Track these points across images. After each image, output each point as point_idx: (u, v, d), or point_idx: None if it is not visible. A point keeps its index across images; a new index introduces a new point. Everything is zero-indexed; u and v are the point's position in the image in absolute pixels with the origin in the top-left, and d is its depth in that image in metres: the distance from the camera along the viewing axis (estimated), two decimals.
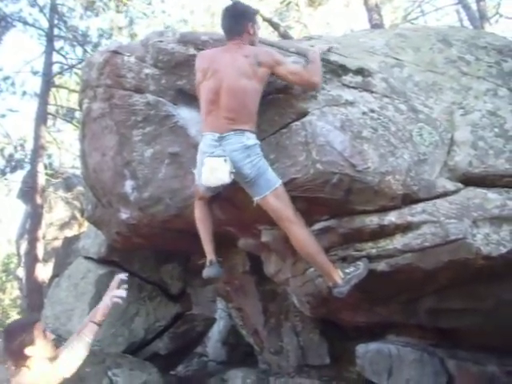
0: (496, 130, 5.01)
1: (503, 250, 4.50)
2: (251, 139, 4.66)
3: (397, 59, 5.52)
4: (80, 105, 6.53)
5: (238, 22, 5.00)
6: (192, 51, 5.42)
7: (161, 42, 5.64)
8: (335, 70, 5.14)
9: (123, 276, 4.31)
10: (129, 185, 5.83)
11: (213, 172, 4.60)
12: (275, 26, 13.58)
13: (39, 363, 3.71)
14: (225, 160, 4.56)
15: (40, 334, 3.77)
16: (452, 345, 5.87)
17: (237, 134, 4.63)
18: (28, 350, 3.65)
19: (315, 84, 4.86)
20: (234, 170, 4.57)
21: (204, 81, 4.89)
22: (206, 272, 5.32)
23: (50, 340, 3.85)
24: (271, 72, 4.76)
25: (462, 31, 6.34)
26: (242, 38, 4.94)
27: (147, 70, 5.66)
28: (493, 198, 4.70)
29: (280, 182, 4.73)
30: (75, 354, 3.79)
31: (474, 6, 16.94)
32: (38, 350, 3.70)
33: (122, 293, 4.17)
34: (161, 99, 5.60)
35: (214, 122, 4.73)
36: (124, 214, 6.19)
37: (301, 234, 4.79)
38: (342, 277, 4.79)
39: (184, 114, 5.56)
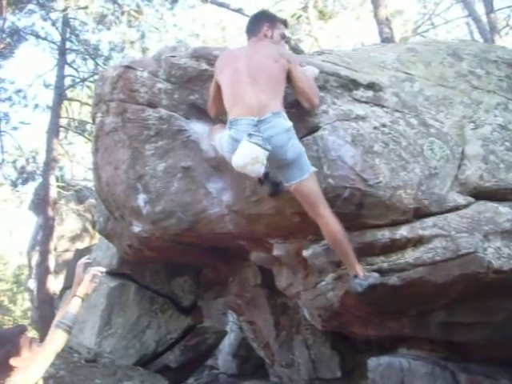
0: (507, 143, 5.03)
1: None
2: (288, 120, 4.48)
3: (407, 73, 5.54)
4: (93, 119, 6.58)
5: (255, 23, 5.10)
6: (204, 66, 5.44)
7: (173, 56, 5.66)
8: (346, 85, 5.15)
9: (99, 271, 4.22)
10: (141, 198, 5.87)
11: (251, 161, 4.30)
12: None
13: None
14: (263, 147, 4.27)
15: (26, 344, 3.70)
16: (463, 358, 5.84)
17: (275, 116, 4.42)
18: (13, 361, 3.57)
19: (315, 104, 4.86)
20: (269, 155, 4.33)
21: (224, 70, 4.80)
22: (267, 185, 4.98)
23: (36, 351, 3.82)
24: (287, 69, 4.67)
25: (473, 45, 6.36)
26: (258, 37, 5.00)
27: (160, 85, 5.69)
28: (504, 212, 4.70)
29: (311, 168, 4.56)
30: (46, 353, 3.74)
31: (484, 19, 16.94)
32: (24, 360, 3.66)
33: (101, 269, 4.15)
34: (173, 114, 5.63)
35: (247, 104, 4.49)
36: (136, 227, 6.23)
37: (333, 221, 4.60)
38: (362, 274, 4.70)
39: (196, 129, 5.58)
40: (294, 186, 4.54)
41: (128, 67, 5.86)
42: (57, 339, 3.75)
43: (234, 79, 4.68)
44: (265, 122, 4.38)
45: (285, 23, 5.27)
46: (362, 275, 4.66)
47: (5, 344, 3.66)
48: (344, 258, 4.79)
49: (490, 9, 15.99)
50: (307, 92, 4.75)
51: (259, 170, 4.33)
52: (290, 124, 4.45)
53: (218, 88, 4.84)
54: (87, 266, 4.15)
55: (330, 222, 4.60)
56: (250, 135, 4.27)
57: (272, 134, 4.35)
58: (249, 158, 4.28)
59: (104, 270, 4.18)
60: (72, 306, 3.91)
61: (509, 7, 18.48)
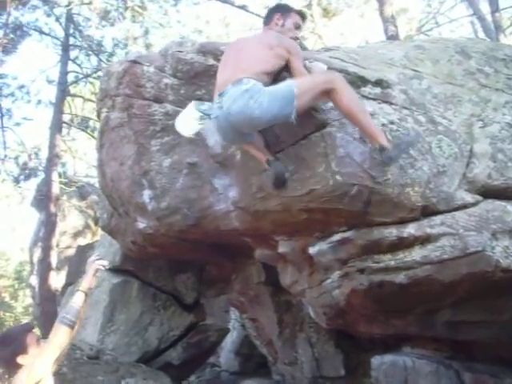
0: None
1: None
2: (250, 83, 4.32)
3: (416, 71, 5.50)
4: (98, 114, 6.56)
5: (269, 14, 5.15)
6: (211, 61, 5.43)
7: (180, 52, 5.65)
8: (354, 82, 5.10)
9: (102, 264, 4.21)
10: (146, 194, 5.86)
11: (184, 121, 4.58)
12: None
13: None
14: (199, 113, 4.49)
15: (33, 342, 3.70)
16: (468, 357, 5.83)
17: (234, 84, 4.34)
18: (20, 359, 3.60)
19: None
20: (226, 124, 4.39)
21: (222, 58, 4.88)
22: (272, 170, 4.83)
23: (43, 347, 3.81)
24: (287, 59, 4.65)
25: (481, 43, 6.33)
26: (269, 26, 5.03)
27: (166, 80, 5.68)
28: None
29: (293, 83, 4.37)
30: (51, 349, 3.73)
31: (488, 18, 16.90)
32: (31, 358, 3.65)
33: (103, 262, 4.14)
34: (180, 109, 5.58)
35: (218, 85, 4.58)
36: (141, 224, 6.22)
37: (346, 91, 4.43)
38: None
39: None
40: (295, 117, 4.34)
41: (134, 62, 5.86)
42: (60, 334, 3.74)
43: (222, 66, 4.77)
44: (223, 95, 4.40)
45: (301, 14, 5.25)
46: (389, 146, 4.49)
47: (12, 342, 3.68)
48: (365, 129, 4.55)
49: (495, 8, 15.93)
50: (299, 76, 4.65)
51: (191, 129, 4.55)
52: (250, 85, 4.32)
53: None
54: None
55: (343, 92, 4.42)
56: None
57: (229, 103, 4.32)
58: (187, 125, 4.58)
59: (107, 263, 4.17)
60: (75, 301, 3.91)
61: None
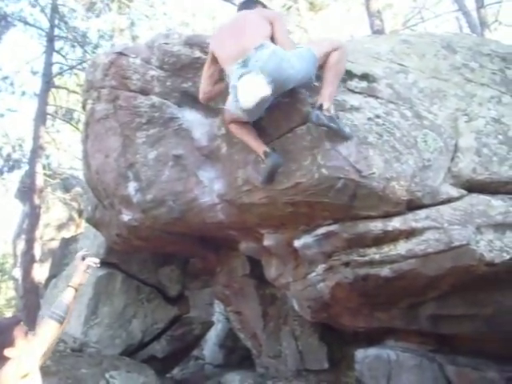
0: (500, 137, 5.03)
1: (506, 257, 4.51)
2: (272, 46, 4.54)
3: (402, 65, 5.53)
4: (83, 105, 6.52)
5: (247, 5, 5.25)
6: (198, 54, 5.43)
7: (167, 44, 5.64)
8: None
9: (93, 261, 4.21)
10: (132, 187, 5.84)
11: (247, 90, 4.39)
12: None
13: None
14: (256, 73, 4.37)
15: (21, 335, 3.67)
16: (451, 350, 5.86)
17: (257, 49, 4.49)
18: (7, 352, 3.57)
19: None
20: (270, 79, 4.34)
21: (215, 39, 4.95)
22: (269, 162, 4.78)
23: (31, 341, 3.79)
24: (271, 19, 4.81)
25: (467, 38, 6.35)
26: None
27: (152, 72, 5.66)
28: (496, 205, 4.71)
29: (311, 48, 4.69)
30: (39, 343, 3.72)
31: (474, 14, 16.96)
32: (18, 351, 3.63)
33: (95, 259, 4.14)
34: (166, 101, 5.61)
35: (234, 53, 4.61)
36: (126, 216, 6.20)
37: (344, 57, 4.80)
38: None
39: (189, 117, 5.56)
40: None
41: (120, 54, 5.83)
42: (49, 329, 3.73)
43: (225, 40, 4.80)
44: (249, 58, 4.46)
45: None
46: (327, 111, 4.57)
47: None
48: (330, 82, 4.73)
49: (480, 3, 16.01)
50: (284, 43, 4.74)
51: (259, 90, 4.35)
52: (272, 47, 4.51)
53: (212, 63, 4.94)
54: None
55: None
56: (240, 75, 4.42)
57: (260, 62, 4.40)
58: (247, 90, 4.37)
59: (98, 260, 4.17)
60: (65, 296, 3.89)
61: (498, 2, 18.47)
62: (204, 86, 5.02)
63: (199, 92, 5.08)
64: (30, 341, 3.69)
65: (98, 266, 4.21)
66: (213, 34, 5.10)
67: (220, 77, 4.98)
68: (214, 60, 4.88)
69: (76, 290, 3.96)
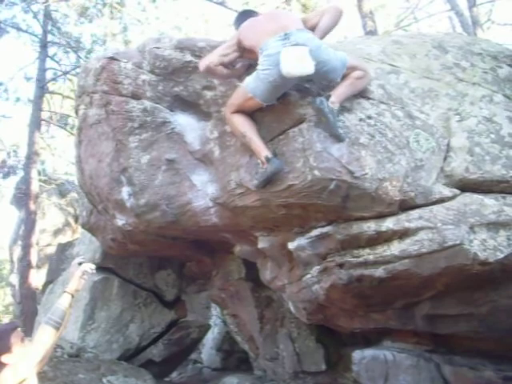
0: (492, 136, 5.03)
1: (500, 256, 4.49)
2: (311, 33, 4.83)
3: (393, 66, 5.53)
4: (76, 111, 6.53)
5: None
6: (189, 57, 5.43)
7: (158, 48, 5.64)
8: None
9: (89, 267, 4.22)
10: (125, 191, 5.83)
11: (298, 60, 4.52)
12: None
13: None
14: (310, 50, 4.53)
15: (18, 341, 3.67)
16: (448, 350, 5.85)
17: (299, 31, 4.73)
18: (4, 358, 3.57)
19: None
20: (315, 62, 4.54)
21: (246, 29, 5.06)
22: (270, 168, 4.79)
23: (28, 348, 3.79)
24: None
25: (458, 38, 6.35)
26: None
27: (144, 77, 5.67)
28: (489, 204, 4.70)
29: (345, 54, 4.95)
30: (35, 349, 3.72)
31: (466, 13, 16.99)
32: (15, 357, 3.63)
33: (91, 265, 4.16)
34: (157, 105, 5.61)
35: (274, 28, 4.78)
36: (120, 221, 6.19)
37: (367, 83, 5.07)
38: None
39: (181, 121, 5.58)
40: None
41: (112, 58, 5.83)
42: (45, 335, 3.75)
43: (255, 26, 5.03)
44: (291, 34, 4.67)
45: None
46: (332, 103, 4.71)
47: None
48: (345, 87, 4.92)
49: (472, 3, 16.04)
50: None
51: (310, 65, 4.50)
52: (312, 34, 4.82)
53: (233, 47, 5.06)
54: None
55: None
56: (284, 44, 4.58)
57: (303, 40, 4.63)
58: (296, 58, 4.51)
59: (94, 266, 4.19)
60: (61, 302, 3.90)
61: (490, 2, 18.52)
62: (213, 57, 5.02)
63: (203, 60, 5.07)
64: (26, 347, 3.71)
65: (94, 271, 4.23)
66: (242, 26, 5.14)
67: (231, 63, 5.13)
68: (238, 47, 5.02)
69: (72, 295, 3.98)
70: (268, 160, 4.75)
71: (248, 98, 4.82)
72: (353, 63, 4.91)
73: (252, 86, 4.76)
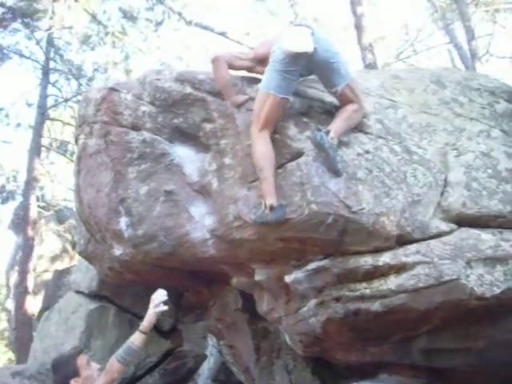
0: (489, 171, 5.06)
1: (497, 291, 4.50)
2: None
3: (391, 100, 5.58)
4: (76, 140, 6.54)
5: None
6: (189, 90, 5.48)
7: (158, 79, 5.69)
8: (330, 111, 5.19)
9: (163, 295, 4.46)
10: (123, 221, 5.82)
11: (298, 37, 4.68)
12: None
13: None
14: (312, 33, 4.71)
15: (83, 364, 3.88)
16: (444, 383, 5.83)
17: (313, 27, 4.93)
18: (73, 382, 3.80)
19: None
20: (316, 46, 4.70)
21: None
22: (272, 216, 4.81)
23: (95, 370, 3.93)
24: None
25: (456, 73, 6.42)
26: None
27: (144, 108, 5.70)
28: (486, 239, 4.71)
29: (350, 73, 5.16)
30: (105, 379, 3.91)
31: (465, 46, 17.13)
32: (84, 380, 3.78)
33: (162, 291, 4.52)
34: (157, 137, 5.64)
35: None
36: (117, 251, 6.18)
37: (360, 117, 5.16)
38: None
39: (180, 152, 5.61)
40: (342, 88, 4.98)
41: (112, 89, 5.86)
42: (115, 370, 3.99)
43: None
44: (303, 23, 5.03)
45: None
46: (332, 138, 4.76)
47: (64, 367, 3.95)
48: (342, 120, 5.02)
49: (470, 36, 16.17)
50: None
51: (309, 44, 4.69)
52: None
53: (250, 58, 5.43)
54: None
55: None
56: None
57: (314, 30, 4.86)
58: (296, 35, 4.73)
59: (165, 292, 4.29)
60: (133, 341, 4.15)
61: (489, 35, 18.67)
62: (226, 53, 5.43)
63: (217, 51, 5.50)
64: (93, 368, 4.02)
65: (166, 297, 4.29)
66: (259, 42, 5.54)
67: (239, 69, 5.53)
68: (253, 57, 5.38)
69: (146, 334, 4.06)
70: (272, 208, 4.78)
71: (266, 97, 4.89)
72: (352, 85, 5.02)
73: (265, 80, 4.92)
